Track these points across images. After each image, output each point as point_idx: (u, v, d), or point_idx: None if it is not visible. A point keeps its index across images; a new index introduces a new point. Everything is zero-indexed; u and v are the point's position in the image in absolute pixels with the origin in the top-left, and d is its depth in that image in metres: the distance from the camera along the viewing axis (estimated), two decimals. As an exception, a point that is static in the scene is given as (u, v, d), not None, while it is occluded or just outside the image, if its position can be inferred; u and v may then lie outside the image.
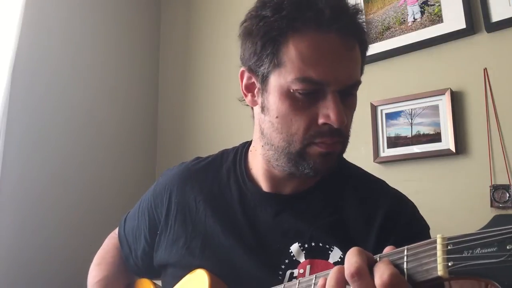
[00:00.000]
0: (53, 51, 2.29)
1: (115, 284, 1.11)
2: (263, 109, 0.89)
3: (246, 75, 0.92)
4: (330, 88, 0.80)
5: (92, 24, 2.50)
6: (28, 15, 2.10)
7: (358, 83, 0.86)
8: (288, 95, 0.82)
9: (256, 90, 0.90)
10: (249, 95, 0.92)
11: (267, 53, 0.83)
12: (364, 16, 0.92)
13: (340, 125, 0.80)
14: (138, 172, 2.60)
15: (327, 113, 0.80)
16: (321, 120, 0.81)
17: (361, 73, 0.91)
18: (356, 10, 0.86)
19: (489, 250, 0.45)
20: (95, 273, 1.14)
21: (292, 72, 0.81)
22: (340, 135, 0.84)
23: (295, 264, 0.87)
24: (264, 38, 0.83)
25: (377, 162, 1.87)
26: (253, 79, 0.90)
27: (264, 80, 0.87)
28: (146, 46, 2.80)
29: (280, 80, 0.83)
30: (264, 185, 0.96)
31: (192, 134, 2.61)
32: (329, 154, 0.84)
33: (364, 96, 1.94)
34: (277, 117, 0.85)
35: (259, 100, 0.89)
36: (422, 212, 0.96)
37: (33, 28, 2.19)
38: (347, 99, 0.84)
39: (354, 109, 0.89)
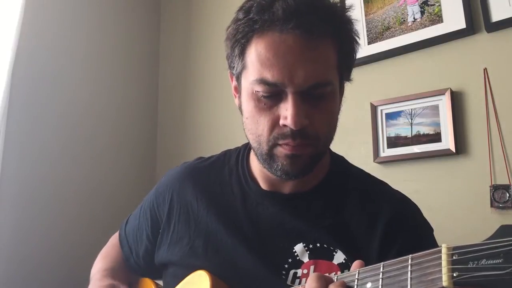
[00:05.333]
0: (52, 51, 2.29)
1: (121, 275, 1.12)
2: (240, 109, 0.91)
3: (230, 77, 0.95)
4: (288, 89, 0.80)
5: (91, 24, 2.49)
6: (27, 15, 2.10)
7: (322, 84, 0.82)
8: (252, 96, 0.84)
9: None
10: (236, 96, 0.94)
11: (235, 55, 0.87)
12: (340, 11, 0.88)
13: (296, 127, 0.79)
14: (138, 173, 2.59)
15: (286, 114, 0.80)
16: (281, 122, 0.82)
17: (346, 69, 0.90)
18: (322, 7, 0.83)
19: (494, 261, 0.45)
20: (100, 264, 1.15)
21: (253, 73, 0.83)
22: (305, 138, 0.82)
23: (298, 264, 0.87)
24: (233, 40, 0.86)
25: (377, 162, 1.87)
26: (234, 81, 0.93)
27: (238, 81, 0.90)
28: (146, 46, 2.79)
29: (246, 81, 0.86)
30: (263, 185, 0.96)
31: (192, 134, 2.60)
32: (296, 156, 0.83)
33: (364, 96, 1.94)
34: (247, 118, 0.87)
35: (238, 101, 0.92)
36: (422, 212, 0.96)
37: (33, 28, 2.18)
38: (317, 101, 0.83)
39: (331, 111, 0.86)
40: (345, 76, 0.91)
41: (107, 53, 2.55)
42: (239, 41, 0.85)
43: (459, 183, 1.70)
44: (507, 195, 1.57)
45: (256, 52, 0.82)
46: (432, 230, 0.93)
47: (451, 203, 1.70)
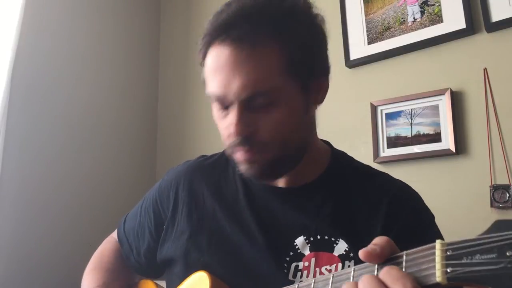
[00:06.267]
0: (52, 51, 2.29)
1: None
2: None
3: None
4: (230, 99, 0.81)
5: (91, 24, 2.50)
6: (27, 15, 2.10)
7: (261, 93, 0.80)
8: (213, 106, 0.88)
9: None
10: None
11: (203, 70, 0.90)
12: (280, 8, 0.83)
13: (236, 135, 0.81)
14: (138, 173, 2.60)
15: (230, 123, 0.83)
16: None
17: (307, 66, 0.85)
18: (255, 12, 0.81)
19: (488, 256, 0.45)
20: (90, 278, 1.12)
21: (206, 86, 0.86)
22: (252, 145, 0.83)
23: (299, 256, 0.87)
24: (199, 56, 0.89)
25: (377, 162, 1.87)
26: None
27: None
28: (146, 46, 2.80)
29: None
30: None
31: (192, 134, 2.61)
32: (250, 162, 0.85)
33: (364, 96, 1.94)
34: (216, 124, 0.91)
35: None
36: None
37: (33, 28, 2.18)
38: (264, 108, 0.82)
39: (280, 117, 0.83)
40: (310, 72, 0.87)
41: (107, 53, 2.55)
42: (200, 58, 0.88)
43: (459, 183, 1.70)
44: (507, 195, 1.56)
45: (205, 67, 0.85)
46: (433, 217, 0.93)
47: (451, 203, 1.70)
